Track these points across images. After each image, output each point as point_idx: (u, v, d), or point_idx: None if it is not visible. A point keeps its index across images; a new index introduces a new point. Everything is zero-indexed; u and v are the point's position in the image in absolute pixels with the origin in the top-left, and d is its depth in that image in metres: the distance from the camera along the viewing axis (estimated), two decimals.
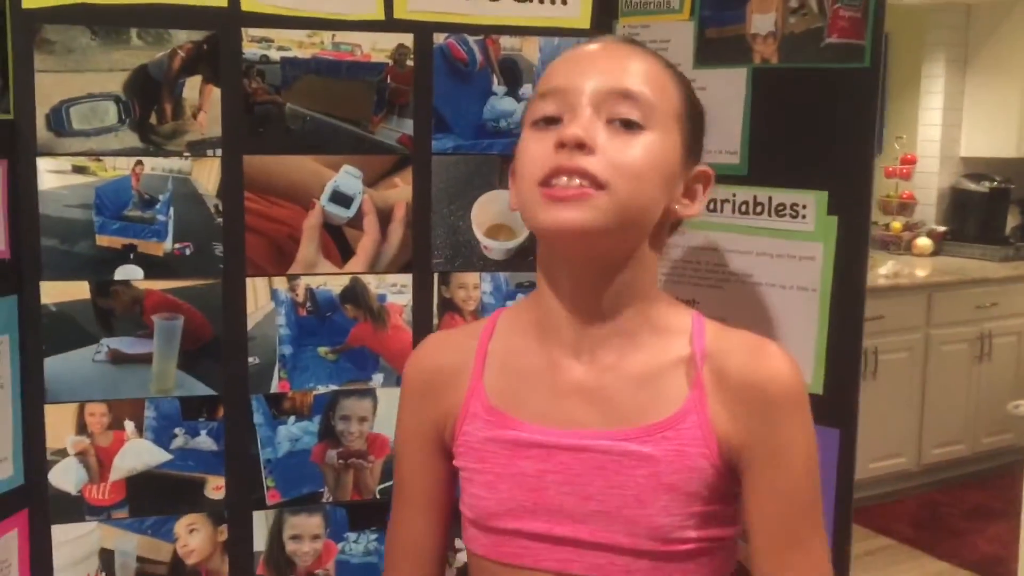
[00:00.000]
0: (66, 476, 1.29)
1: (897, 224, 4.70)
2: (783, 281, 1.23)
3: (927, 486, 4.13)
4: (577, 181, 0.85)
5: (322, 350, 1.35)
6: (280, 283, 1.32)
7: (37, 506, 1.28)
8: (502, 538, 0.93)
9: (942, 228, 4.73)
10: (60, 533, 1.30)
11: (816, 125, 1.19)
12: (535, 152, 0.89)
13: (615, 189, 0.85)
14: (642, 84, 0.90)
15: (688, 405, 0.90)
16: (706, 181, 0.97)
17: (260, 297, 1.32)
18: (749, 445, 0.89)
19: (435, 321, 1.37)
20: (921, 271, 4.22)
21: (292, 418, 1.35)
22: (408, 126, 1.33)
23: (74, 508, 1.30)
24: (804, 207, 1.20)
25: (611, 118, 0.88)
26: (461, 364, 0.98)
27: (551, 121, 0.89)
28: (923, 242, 4.62)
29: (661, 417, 0.90)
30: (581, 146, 0.85)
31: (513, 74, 1.34)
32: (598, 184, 0.85)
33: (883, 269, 4.00)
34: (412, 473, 1.03)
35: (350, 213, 1.32)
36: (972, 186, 4.76)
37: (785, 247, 1.22)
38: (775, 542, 0.89)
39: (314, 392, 1.35)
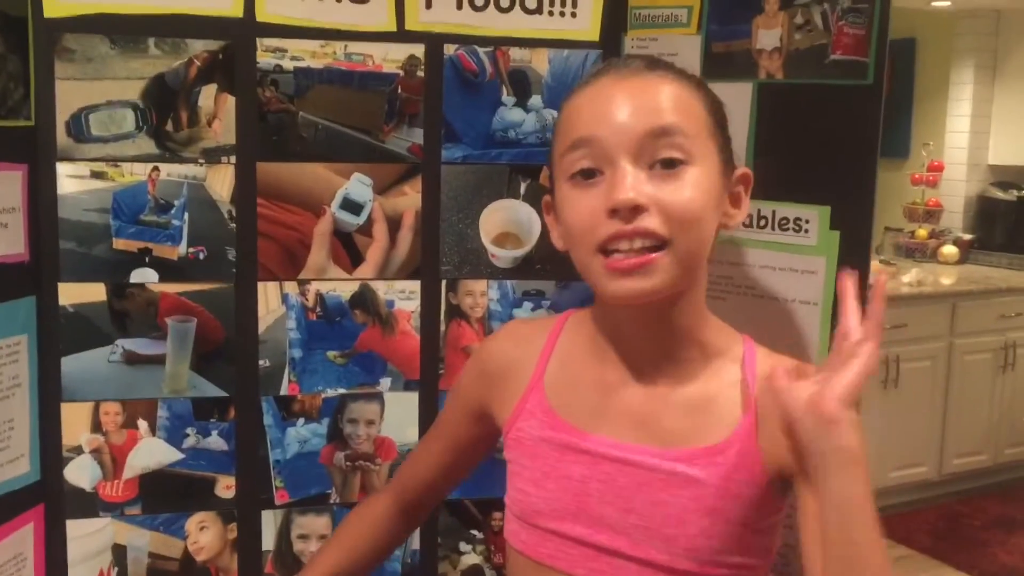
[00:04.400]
0: (81, 473, 1.33)
1: (923, 231, 4.67)
2: (786, 295, 1.24)
3: (948, 496, 4.10)
4: (638, 243, 0.83)
5: (331, 354, 1.37)
6: (291, 288, 1.34)
7: (52, 501, 1.32)
8: (542, 537, 0.94)
9: (969, 236, 4.69)
10: (74, 528, 1.33)
11: (819, 140, 1.20)
12: (583, 213, 0.86)
13: (677, 242, 0.84)
14: (673, 114, 0.86)
15: (740, 430, 0.89)
16: (747, 183, 0.95)
17: (271, 301, 1.35)
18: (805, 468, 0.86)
19: (442, 327, 1.39)
20: (946, 279, 4.19)
21: (301, 420, 1.37)
22: (418, 135, 1.35)
23: (88, 504, 1.33)
24: (807, 221, 1.21)
25: (652, 161, 0.85)
26: (527, 360, 1.00)
27: (589, 174, 0.87)
28: (949, 250, 4.59)
29: (712, 441, 0.89)
30: (636, 209, 0.83)
31: (522, 85, 1.36)
32: (659, 240, 0.84)
33: (907, 277, 3.98)
34: (448, 419, 1.09)
35: (360, 220, 1.34)
36: (1000, 194, 4.72)
37: (788, 261, 1.23)
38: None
39: (323, 395, 1.37)
